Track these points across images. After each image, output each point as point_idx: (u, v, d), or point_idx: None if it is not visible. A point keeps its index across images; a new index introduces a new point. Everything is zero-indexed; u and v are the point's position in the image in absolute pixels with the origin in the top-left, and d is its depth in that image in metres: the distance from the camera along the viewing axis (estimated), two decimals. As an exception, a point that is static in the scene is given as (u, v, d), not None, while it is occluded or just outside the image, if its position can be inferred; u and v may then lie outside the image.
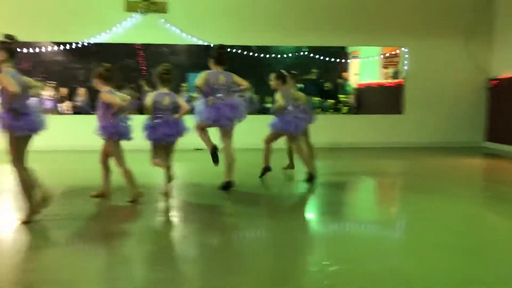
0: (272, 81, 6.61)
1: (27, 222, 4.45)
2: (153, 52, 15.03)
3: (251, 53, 11.69)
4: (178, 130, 5.55)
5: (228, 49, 10.81)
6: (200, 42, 10.22)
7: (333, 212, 5.32)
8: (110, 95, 5.15)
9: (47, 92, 12.17)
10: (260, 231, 4.46)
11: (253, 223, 4.72)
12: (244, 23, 10.29)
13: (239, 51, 11.08)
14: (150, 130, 5.51)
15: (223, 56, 5.91)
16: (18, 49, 4.66)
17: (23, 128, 4.30)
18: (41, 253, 3.86)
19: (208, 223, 4.74)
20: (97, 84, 5.23)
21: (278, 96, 6.47)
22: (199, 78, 5.77)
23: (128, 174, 5.31)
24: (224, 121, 5.81)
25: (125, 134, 5.24)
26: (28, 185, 4.46)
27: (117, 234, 4.32)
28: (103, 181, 5.46)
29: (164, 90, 5.55)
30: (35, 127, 4.41)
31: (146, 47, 14.24)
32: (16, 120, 4.26)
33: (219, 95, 5.77)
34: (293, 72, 7.13)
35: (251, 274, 3.38)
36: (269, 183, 6.71)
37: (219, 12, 10.21)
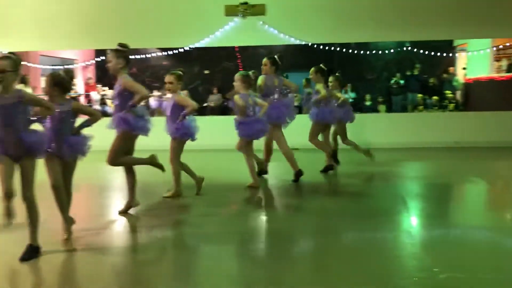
0: (312, 75, 7.01)
1: (124, 212, 4.94)
2: (250, 54, 15.34)
3: (350, 50, 11.46)
4: (265, 127, 6.04)
5: (327, 47, 10.79)
6: (298, 42, 10.21)
7: (440, 215, 5.02)
8: (184, 96, 5.57)
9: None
10: (363, 233, 4.33)
11: (355, 224, 4.59)
12: (342, 20, 10.08)
13: (338, 48, 10.92)
14: (245, 127, 5.87)
15: (281, 63, 6.57)
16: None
17: (140, 128, 4.72)
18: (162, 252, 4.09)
19: (309, 223, 4.70)
20: (172, 86, 5.46)
21: (320, 86, 6.87)
22: (259, 80, 6.46)
23: (177, 173, 5.56)
24: (283, 119, 6.41)
25: (193, 135, 5.52)
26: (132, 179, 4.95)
27: (222, 233, 4.44)
28: (175, 181, 5.61)
29: (247, 91, 5.94)
30: (148, 128, 4.81)
31: (244, 49, 14.56)
32: (136, 122, 4.65)
33: (273, 96, 6.42)
34: (337, 74, 7.55)
35: (357, 277, 3.28)
36: (368, 183, 6.52)
37: (316, 10, 10.10)
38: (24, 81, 12.58)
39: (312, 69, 7.00)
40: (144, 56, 13.01)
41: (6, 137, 3.45)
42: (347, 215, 4.93)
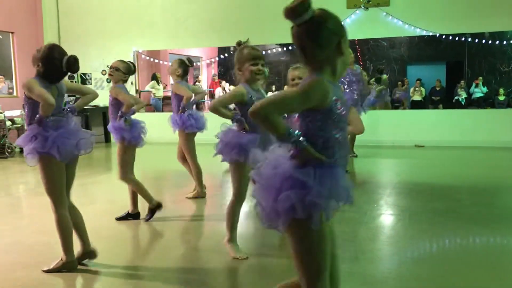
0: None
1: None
2: (371, 47, 14.90)
3: (483, 41, 10.58)
4: None
5: (456, 38, 10.07)
6: (424, 33, 9.66)
7: None
8: (181, 86, 5.19)
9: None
10: (495, 239, 3.97)
11: (485, 229, 4.21)
12: (475, 7, 9.33)
13: (469, 39, 10.14)
14: None
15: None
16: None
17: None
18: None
19: (432, 226, 4.42)
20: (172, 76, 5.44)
21: None
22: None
23: (197, 171, 5.29)
24: None
25: (199, 127, 5.22)
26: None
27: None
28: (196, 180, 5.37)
29: None
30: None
31: (365, 42, 14.15)
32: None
33: None
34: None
35: (491, 285, 3.01)
36: (500, 186, 5.95)
37: (445, -1, 9.48)
38: (154, 78, 13.60)
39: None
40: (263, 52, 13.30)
41: None
42: (479, 219, 4.55)
